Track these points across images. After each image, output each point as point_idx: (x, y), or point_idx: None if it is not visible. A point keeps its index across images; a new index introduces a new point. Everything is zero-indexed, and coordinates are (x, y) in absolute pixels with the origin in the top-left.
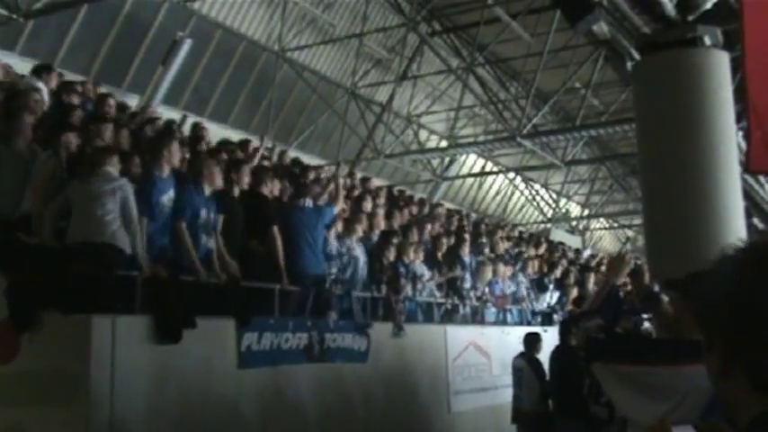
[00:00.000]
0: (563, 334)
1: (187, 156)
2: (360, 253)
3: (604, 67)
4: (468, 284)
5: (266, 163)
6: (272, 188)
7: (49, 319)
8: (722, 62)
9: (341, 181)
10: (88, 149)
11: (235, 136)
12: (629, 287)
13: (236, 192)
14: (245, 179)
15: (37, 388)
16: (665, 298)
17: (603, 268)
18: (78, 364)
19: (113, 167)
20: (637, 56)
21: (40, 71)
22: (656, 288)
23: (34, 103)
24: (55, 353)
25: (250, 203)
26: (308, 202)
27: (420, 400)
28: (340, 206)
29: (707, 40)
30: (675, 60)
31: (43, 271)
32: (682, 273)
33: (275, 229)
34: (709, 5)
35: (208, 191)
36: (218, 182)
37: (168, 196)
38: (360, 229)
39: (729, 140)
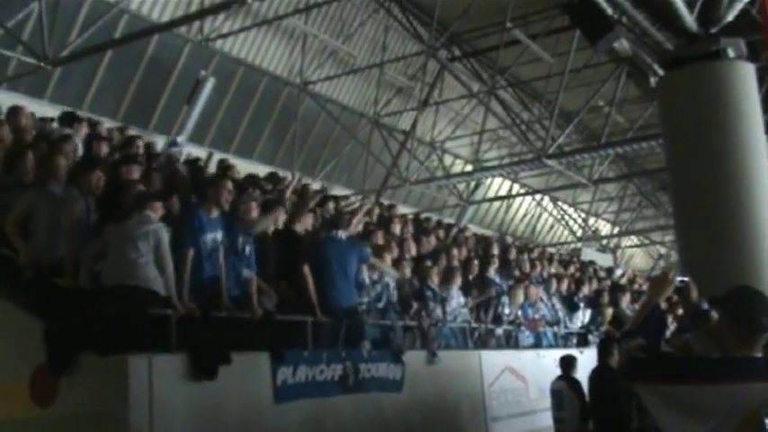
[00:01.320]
0: (601, 354)
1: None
2: (390, 278)
3: (627, 84)
4: (507, 309)
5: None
6: (305, 225)
7: (86, 361)
8: (748, 73)
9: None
10: (129, 194)
11: (260, 170)
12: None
13: (270, 231)
14: (281, 219)
15: (77, 431)
16: (715, 315)
17: (636, 286)
18: (117, 404)
19: (154, 212)
20: (660, 71)
21: (70, 120)
22: (705, 305)
23: (69, 150)
24: (93, 394)
25: (283, 242)
26: (342, 235)
27: (458, 428)
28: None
29: (731, 53)
30: (700, 74)
31: (79, 313)
32: (715, 286)
33: (306, 267)
34: (731, 17)
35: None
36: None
37: (213, 236)
38: (389, 258)
39: (759, 151)
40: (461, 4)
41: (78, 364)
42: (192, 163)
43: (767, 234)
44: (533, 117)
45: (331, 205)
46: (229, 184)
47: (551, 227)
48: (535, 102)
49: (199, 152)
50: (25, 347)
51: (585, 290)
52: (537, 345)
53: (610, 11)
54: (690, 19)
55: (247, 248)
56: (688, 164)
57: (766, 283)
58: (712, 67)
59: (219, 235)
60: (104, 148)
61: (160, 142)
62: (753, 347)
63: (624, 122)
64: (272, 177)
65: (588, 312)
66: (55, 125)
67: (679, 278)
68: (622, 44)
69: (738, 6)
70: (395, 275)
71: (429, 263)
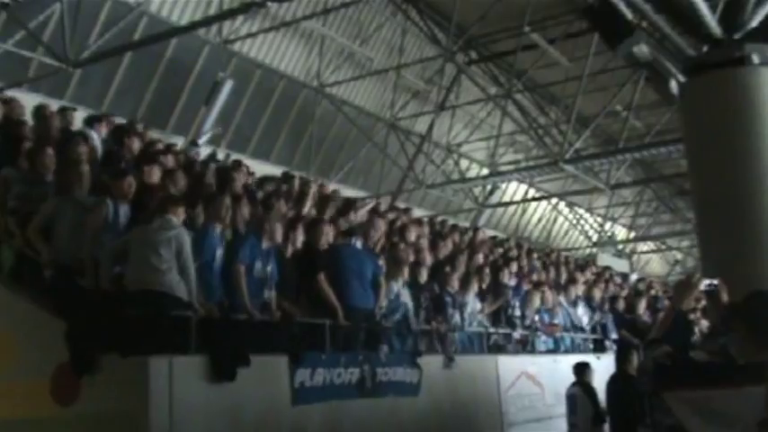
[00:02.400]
0: (620, 361)
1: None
2: (407, 298)
3: (644, 88)
4: (518, 312)
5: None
6: (326, 239)
7: (107, 361)
8: None
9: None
10: (156, 197)
11: (277, 172)
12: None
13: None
14: (300, 238)
15: (97, 430)
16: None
17: (653, 292)
18: (137, 404)
19: (177, 216)
20: (680, 76)
21: (92, 121)
22: None
23: (89, 152)
24: (114, 395)
25: (304, 259)
26: (358, 243)
27: None
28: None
29: (755, 59)
30: (724, 80)
31: (101, 315)
32: (738, 293)
33: (322, 275)
34: (755, 23)
35: (266, 245)
36: (278, 238)
37: (219, 252)
38: (405, 272)
39: None
40: (479, 7)
41: (100, 365)
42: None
43: None
44: (550, 121)
45: (352, 216)
46: (227, 200)
47: (567, 232)
48: (552, 106)
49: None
50: (47, 347)
51: (607, 298)
52: (554, 350)
53: (629, 15)
54: (714, 24)
55: (266, 267)
56: (710, 169)
57: None
58: (737, 73)
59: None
60: (136, 144)
61: (179, 143)
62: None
63: (641, 127)
64: (286, 178)
65: (607, 320)
66: (77, 124)
67: (707, 282)
68: (642, 49)
69: (763, 12)
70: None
71: (448, 268)
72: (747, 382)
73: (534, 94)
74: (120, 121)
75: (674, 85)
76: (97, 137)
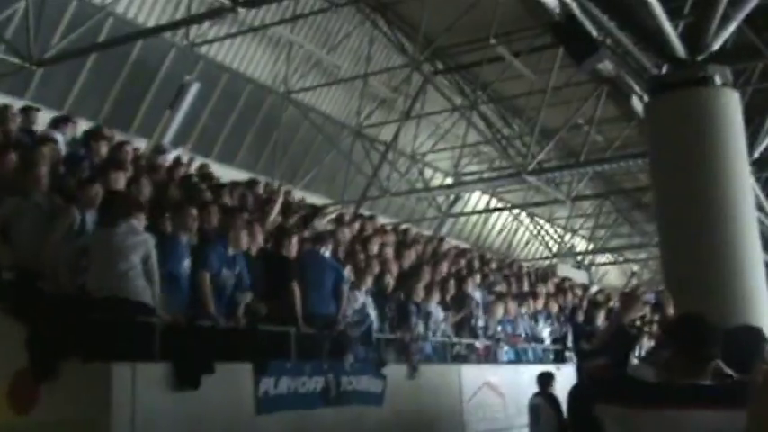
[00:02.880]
0: (580, 371)
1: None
2: (370, 308)
3: (606, 104)
4: (481, 323)
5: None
6: (292, 250)
7: (68, 367)
8: (733, 101)
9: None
10: (117, 199)
11: (241, 177)
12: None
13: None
14: (260, 238)
15: None
16: None
17: (612, 303)
18: (99, 412)
19: (139, 221)
20: (640, 92)
21: (58, 122)
22: None
23: (51, 153)
24: (75, 402)
25: (270, 263)
26: (325, 252)
27: None
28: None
29: (717, 80)
30: (687, 100)
31: (63, 320)
32: (697, 306)
33: (295, 284)
34: (718, 45)
35: (233, 251)
36: (244, 245)
37: (186, 262)
38: (370, 281)
39: (742, 176)
40: (446, 18)
41: (60, 371)
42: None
43: (747, 255)
44: (514, 133)
45: (316, 223)
46: (193, 212)
47: (527, 242)
48: (515, 118)
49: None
50: (5, 351)
51: (567, 309)
52: (516, 361)
53: (595, 32)
54: (678, 44)
55: (232, 273)
56: (673, 186)
57: (745, 302)
58: (699, 93)
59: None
60: (104, 148)
61: (142, 146)
62: (698, 375)
63: (602, 141)
64: (251, 184)
65: (567, 331)
66: (41, 124)
67: (651, 294)
68: (606, 65)
69: (725, 34)
70: None
71: (412, 277)
72: (672, 403)
73: (499, 106)
74: (84, 122)
75: (635, 102)
76: (62, 139)
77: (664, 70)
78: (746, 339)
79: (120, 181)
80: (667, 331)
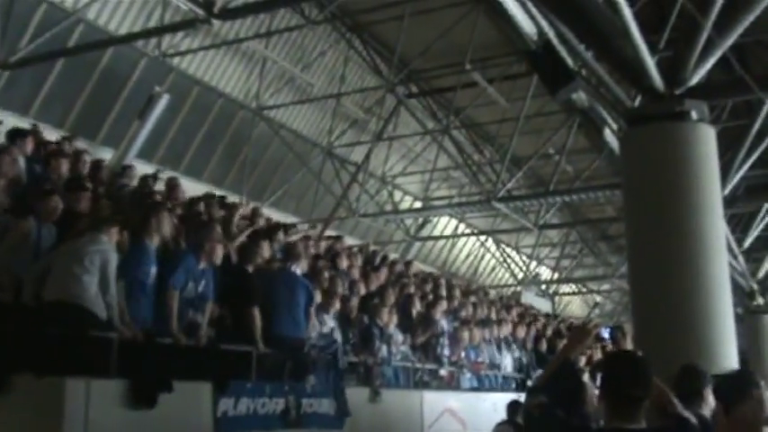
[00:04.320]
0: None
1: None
2: (337, 333)
3: (576, 134)
4: (446, 350)
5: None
6: (261, 259)
7: (20, 381)
8: (709, 136)
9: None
10: (86, 219)
11: (209, 191)
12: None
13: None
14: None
15: None
16: None
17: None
18: (51, 428)
19: (109, 236)
20: (614, 125)
21: (15, 136)
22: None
23: (7, 167)
24: (27, 417)
25: (231, 275)
26: (297, 269)
27: None
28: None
29: (694, 115)
30: (664, 133)
31: (15, 331)
32: (665, 339)
33: (255, 310)
34: (695, 80)
35: (203, 265)
36: (218, 260)
37: (153, 269)
38: (338, 304)
39: (714, 210)
40: (422, 42)
41: (12, 385)
42: (141, 188)
43: (717, 292)
44: (484, 159)
45: (281, 236)
46: (166, 216)
47: (493, 269)
48: (487, 144)
49: (147, 169)
50: None
51: (530, 337)
52: (478, 387)
53: (571, 62)
54: (657, 78)
55: (198, 288)
56: (644, 218)
57: (712, 341)
58: (676, 127)
59: (154, 268)
60: (65, 166)
61: (107, 155)
62: (625, 418)
63: (570, 171)
64: (221, 201)
65: (530, 359)
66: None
67: (606, 329)
68: (580, 96)
69: (703, 70)
70: None
71: (377, 300)
72: None
73: (471, 132)
74: (50, 129)
75: (608, 134)
76: (20, 153)
77: (638, 102)
78: (735, 383)
79: (84, 202)
80: (595, 371)
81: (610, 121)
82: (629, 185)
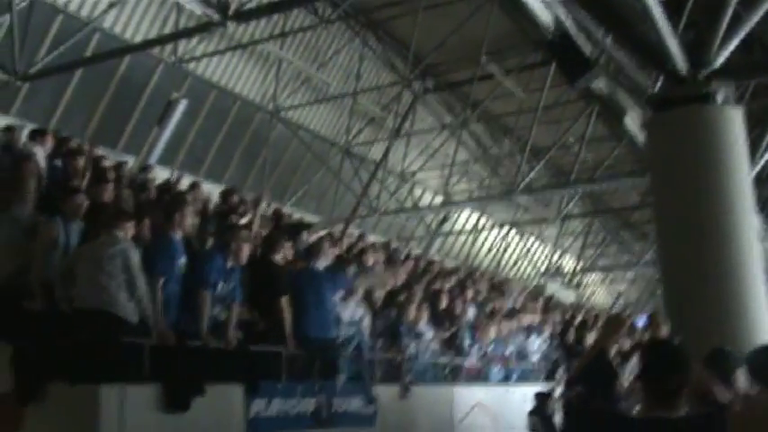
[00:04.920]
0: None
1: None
2: (367, 320)
3: (595, 123)
4: (467, 342)
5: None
6: (285, 254)
7: (54, 389)
8: (736, 118)
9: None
10: (103, 214)
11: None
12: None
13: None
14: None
15: None
16: None
17: (601, 323)
18: None
19: (124, 231)
20: (635, 112)
21: (35, 135)
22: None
23: (33, 169)
24: (61, 425)
25: (259, 271)
26: (319, 265)
27: None
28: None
29: (720, 97)
30: (690, 116)
31: (49, 340)
32: (698, 323)
33: (284, 300)
34: (721, 61)
35: (231, 263)
36: (244, 258)
37: (182, 261)
38: (361, 291)
39: (744, 193)
40: (437, 36)
41: (46, 393)
42: (163, 186)
43: (750, 272)
44: (503, 152)
45: (305, 235)
46: (190, 208)
47: (516, 261)
48: (505, 136)
49: (167, 174)
50: None
51: (547, 325)
52: (506, 380)
53: (588, 50)
54: (681, 61)
55: (228, 286)
56: (673, 203)
57: (747, 321)
58: (702, 110)
59: (183, 259)
60: (81, 163)
61: (129, 163)
62: (665, 407)
63: (590, 160)
64: (226, 195)
65: (558, 350)
66: (23, 140)
67: (641, 318)
68: (599, 84)
69: (728, 51)
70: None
71: (403, 296)
72: None
73: (489, 125)
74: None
75: (628, 120)
76: (41, 153)
77: (658, 87)
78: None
79: (107, 195)
80: (624, 360)
81: (630, 107)
82: (656, 171)
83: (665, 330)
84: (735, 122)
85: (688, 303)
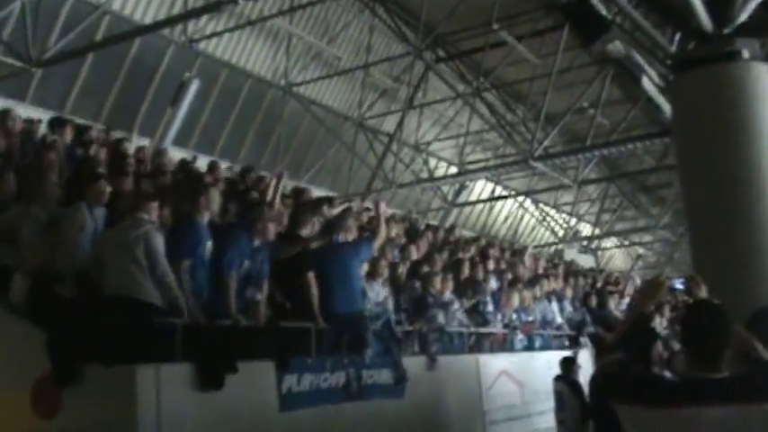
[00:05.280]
0: (599, 359)
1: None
2: (390, 302)
3: (609, 86)
4: (490, 308)
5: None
6: (310, 230)
7: (90, 372)
8: (763, 74)
9: (383, 210)
10: (128, 198)
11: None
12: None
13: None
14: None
15: None
16: None
17: (621, 287)
18: (124, 416)
19: (148, 213)
20: (653, 72)
21: (54, 125)
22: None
23: (54, 160)
24: (99, 405)
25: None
26: (342, 238)
27: None
28: (381, 240)
29: (745, 54)
30: (716, 75)
31: (82, 323)
32: (727, 289)
33: (311, 275)
34: (745, 17)
35: (257, 242)
36: (270, 236)
37: (208, 245)
38: (386, 271)
39: None
40: (447, 4)
41: (83, 375)
42: (181, 169)
43: None
44: (517, 119)
45: (325, 209)
46: (215, 191)
47: (533, 228)
48: (519, 103)
49: (183, 155)
50: (26, 357)
51: (579, 294)
52: (530, 347)
53: (605, 12)
54: (705, 18)
55: (256, 265)
56: (700, 164)
57: None
58: (728, 68)
59: (210, 244)
60: (102, 154)
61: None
62: (708, 368)
63: (607, 124)
64: (243, 173)
65: (580, 316)
66: (42, 129)
67: (678, 280)
68: (616, 45)
69: (752, 5)
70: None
71: (426, 267)
72: (680, 402)
73: (502, 92)
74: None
75: (646, 81)
76: (61, 142)
77: (676, 45)
78: None
79: (128, 183)
80: (681, 319)
81: (647, 68)
82: (681, 132)
83: (704, 291)
84: (763, 79)
85: (719, 263)
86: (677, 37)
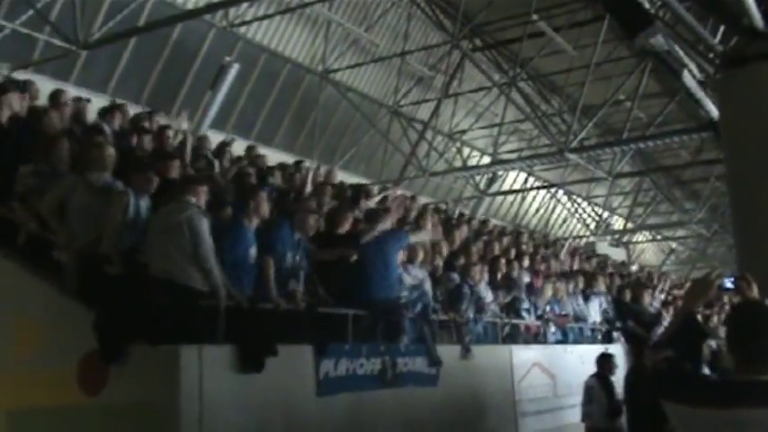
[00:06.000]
0: (635, 354)
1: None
2: (427, 284)
3: (647, 79)
4: (525, 305)
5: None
6: (347, 227)
7: (136, 350)
8: None
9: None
10: (178, 180)
11: (280, 158)
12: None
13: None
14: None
15: (125, 419)
16: None
17: (654, 282)
18: (167, 395)
19: (196, 196)
20: (694, 68)
21: (105, 113)
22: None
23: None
24: (143, 384)
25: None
26: (380, 228)
27: (489, 422)
28: (427, 236)
29: None
30: (766, 73)
31: (129, 303)
32: None
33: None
34: None
35: (298, 235)
36: (310, 230)
37: (253, 251)
38: (422, 255)
39: None
40: None
41: (129, 354)
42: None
43: None
44: (553, 110)
45: (363, 202)
46: (265, 196)
47: (564, 220)
48: (554, 95)
49: (220, 138)
50: (73, 334)
51: (613, 288)
52: (563, 341)
53: (647, 5)
54: (757, 16)
55: (296, 258)
56: (748, 162)
57: None
58: None
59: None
60: (148, 143)
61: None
62: (757, 370)
63: (643, 117)
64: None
65: (612, 310)
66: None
67: (728, 279)
68: (658, 39)
69: None
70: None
71: (463, 258)
72: (728, 402)
73: (538, 83)
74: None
75: (687, 76)
76: (110, 129)
77: (719, 41)
78: None
79: (174, 171)
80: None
81: (688, 62)
82: (729, 129)
83: (755, 291)
84: None
85: (760, 259)
86: (719, 32)
